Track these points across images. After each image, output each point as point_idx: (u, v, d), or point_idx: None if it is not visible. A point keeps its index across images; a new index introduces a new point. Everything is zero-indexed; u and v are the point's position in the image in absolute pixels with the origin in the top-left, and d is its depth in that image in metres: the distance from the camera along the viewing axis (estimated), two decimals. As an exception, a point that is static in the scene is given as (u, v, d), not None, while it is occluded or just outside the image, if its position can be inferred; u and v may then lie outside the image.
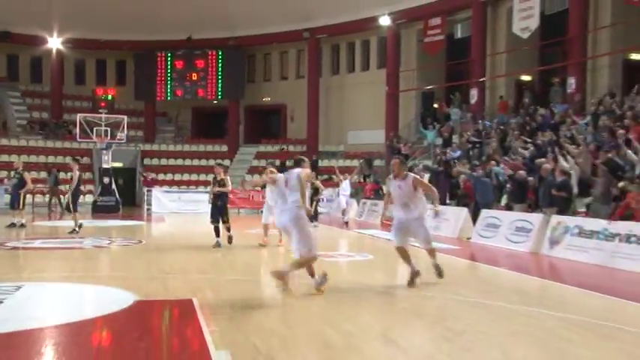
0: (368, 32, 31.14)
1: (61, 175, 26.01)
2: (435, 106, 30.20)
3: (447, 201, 18.61)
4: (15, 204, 18.27)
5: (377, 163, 28.96)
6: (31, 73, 36.07)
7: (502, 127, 22.58)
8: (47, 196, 26.11)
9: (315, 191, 18.14)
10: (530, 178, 15.64)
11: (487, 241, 14.85)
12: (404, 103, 30.34)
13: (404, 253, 8.95)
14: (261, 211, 15.30)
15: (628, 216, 11.93)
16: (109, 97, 30.29)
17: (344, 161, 30.29)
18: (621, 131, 15.82)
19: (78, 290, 8.70)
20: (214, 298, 8.14)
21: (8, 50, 34.78)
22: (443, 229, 16.63)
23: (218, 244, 13.39)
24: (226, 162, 31.17)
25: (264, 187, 14.53)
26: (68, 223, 16.57)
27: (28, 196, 20.31)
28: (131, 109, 34.69)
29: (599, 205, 13.16)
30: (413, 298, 8.25)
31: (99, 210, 25.90)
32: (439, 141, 26.03)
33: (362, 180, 27.56)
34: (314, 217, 17.48)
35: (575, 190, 14.53)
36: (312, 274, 8.31)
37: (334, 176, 23.90)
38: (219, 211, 13.53)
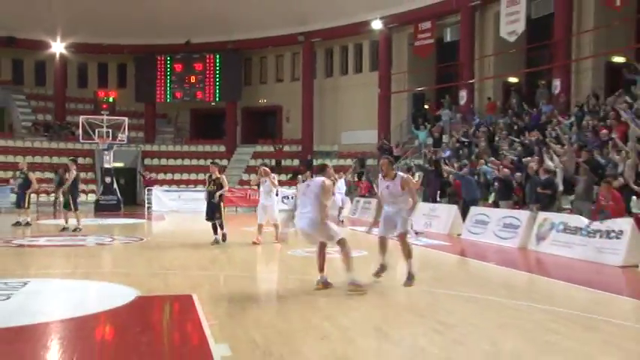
0: (360, 36, 31.47)
1: (66, 175, 26.29)
2: (426, 107, 30.45)
3: (438, 199, 19.02)
4: (21, 203, 18.53)
5: (369, 162, 29.22)
6: (35, 77, 36.42)
7: (490, 128, 22.93)
8: (52, 195, 26.09)
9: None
10: (518, 174, 16.04)
11: (476, 237, 14.93)
12: (395, 105, 30.69)
13: (383, 244, 8.93)
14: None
15: (603, 211, 12.20)
16: (111, 99, 30.74)
17: (337, 161, 30.51)
18: (604, 131, 16.28)
19: (82, 286, 8.82)
20: (213, 294, 8.20)
21: (13, 55, 35.18)
22: (434, 226, 16.91)
23: (216, 242, 13.54)
24: (224, 162, 31.35)
25: (259, 186, 14.64)
26: (71, 221, 16.69)
27: (33, 196, 20.39)
28: (132, 110, 34.92)
29: (581, 203, 13.38)
30: (406, 292, 8.29)
31: (101, 209, 26.20)
32: (430, 141, 26.32)
33: (357, 179, 27.84)
34: None
35: (561, 188, 14.80)
36: (321, 269, 8.26)
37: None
38: (213, 208, 13.60)
